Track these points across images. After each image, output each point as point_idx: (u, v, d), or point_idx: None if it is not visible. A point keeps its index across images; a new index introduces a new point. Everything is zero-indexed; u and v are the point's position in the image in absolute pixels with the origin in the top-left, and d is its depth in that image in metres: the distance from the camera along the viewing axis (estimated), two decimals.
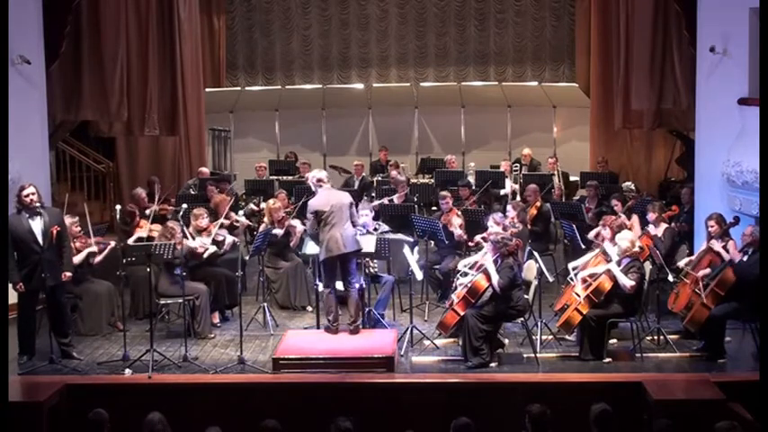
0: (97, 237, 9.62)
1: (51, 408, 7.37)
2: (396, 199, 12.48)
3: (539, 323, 8.86)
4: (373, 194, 13.06)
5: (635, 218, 10.69)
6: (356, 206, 9.37)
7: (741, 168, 9.98)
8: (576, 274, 8.71)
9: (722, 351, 8.45)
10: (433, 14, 18.61)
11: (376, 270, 9.59)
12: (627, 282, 8.33)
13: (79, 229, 9.50)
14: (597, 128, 15.78)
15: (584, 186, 13.29)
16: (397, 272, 10.00)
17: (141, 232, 10.28)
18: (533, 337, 8.69)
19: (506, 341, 8.74)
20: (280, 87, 18.54)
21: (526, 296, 8.61)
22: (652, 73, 12.55)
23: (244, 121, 17.20)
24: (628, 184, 13.73)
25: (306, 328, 9.44)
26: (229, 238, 9.92)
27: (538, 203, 11.46)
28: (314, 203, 8.75)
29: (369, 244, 9.05)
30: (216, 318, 9.65)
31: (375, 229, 9.68)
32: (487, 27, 18.55)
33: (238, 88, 18.42)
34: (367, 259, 9.32)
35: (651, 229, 9.82)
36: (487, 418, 7.08)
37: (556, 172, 14.27)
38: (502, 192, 13.49)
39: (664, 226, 9.90)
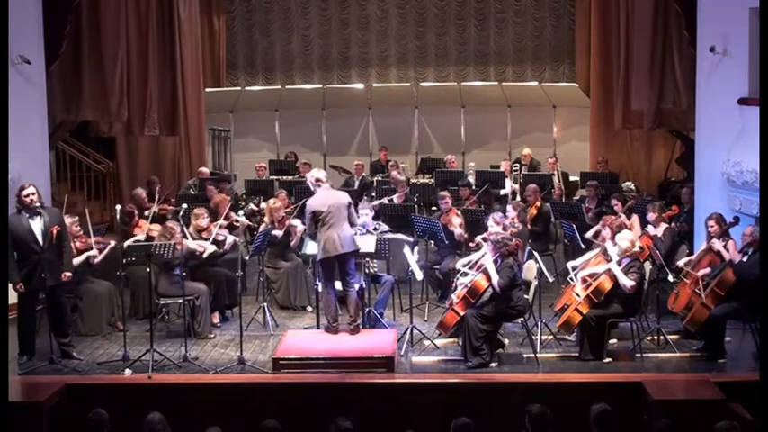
0: (97, 237, 9.62)
1: (51, 408, 7.37)
2: (396, 199, 12.48)
3: (539, 323, 8.86)
4: (373, 194, 13.06)
5: (635, 218, 10.69)
6: (356, 206, 9.37)
7: (741, 168, 9.98)
8: (575, 274, 8.71)
9: (722, 351, 8.45)
10: (433, 14, 18.61)
11: (375, 270, 9.59)
12: (627, 282, 8.33)
13: (79, 228, 9.51)
14: (597, 128, 15.78)
15: (584, 186, 13.29)
16: (396, 272, 9.99)
17: (140, 233, 10.27)
18: (533, 337, 8.68)
19: (506, 341, 8.74)
20: (280, 87, 18.54)
21: (526, 296, 8.61)
22: (652, 73, 12.55)
23: (244, 121, 17.21)
24: (628, 184, 13.74)
25: (306, 328, 9.44)
26: (230, 238, 9.92)
27: (538, 203, 11.46)
28: (311, 204, 8.75)
29: (369, 244, 9.05)
30: (216, 318, 9.65)
31: (375, 229, 9.68)
32: (487, 27, 18.55)
33: (238, 88, 18.42)
34: (367, 259, 9.31)
35: (651, 229, 9.82)
36: (487, 418, 7.08)
37: (556, 172, 14.27)
38: (502, 192, 13.49)
39: (664, 226, 9.90)
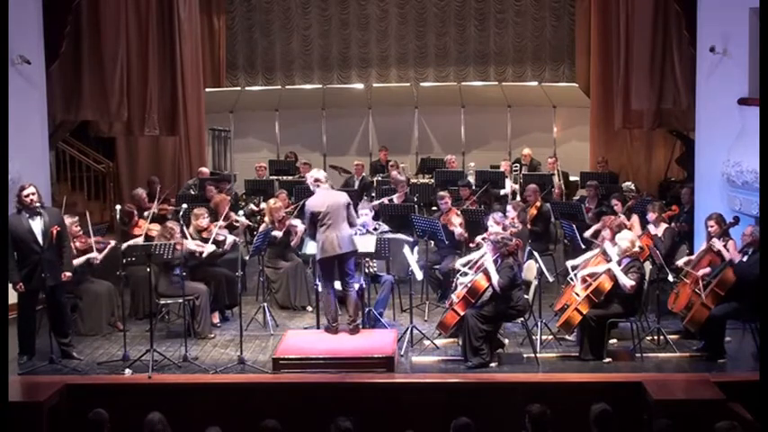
0: (97, 237, 9.61)
1: (51, 408, 7.37)
2: (396, 199, 12.48)
3: (539, 323, 8.86)
4: (373, 194, 13.07)
5: (635, 218, 10.69)
6: (356, 206, 9.37)
7: (741, 168, 9.98)
8: (575, 274, 8.71)
9: (722, 351, 8.44)
10: (433, 14, 18.61)
11: (375, 270, 9.59)
12: (627, 282, 8.33)
13: (79, 228, 9.51)
14: (597, 128, 15.78)
15: (584, 186, 13.29)
16: (396, 272, 9.99)
17: (139, 233, 10.26)
18: (533, 337, 8.68)
19: (506, 341, 8.74)
20: (280, 87, 18.54)
21: (526, 296, 8.61)
22: (652, 73, 12.55)
23: (244, 121, 17.20)
24: (628, 184, 13.74)
25: (306, 328, 9.44)
26: (230, 238, 9.91)
27: (538, 203, 11.47)
28: (310, 204, 8.75)
29: (369, 244, 9.05)
30: (216, 318, 9.65)
31: (375, 229, 9.69)
32: (487, 27, 18.55)
33: (238, 88, 18.41)
34: (366, 259, 9.31)
35: (651, 229, 9.82)
36: (487, 418, 7.08)
37: (556, 171, 14.27)
38: (502, 192, 13.49)
39: (664, 226, 9.90)
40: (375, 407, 7.52)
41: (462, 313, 8.36)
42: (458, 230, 10.35)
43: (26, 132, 10.28)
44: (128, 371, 8.17)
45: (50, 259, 8.41)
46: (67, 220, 9.11)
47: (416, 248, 9.72)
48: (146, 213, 10.86)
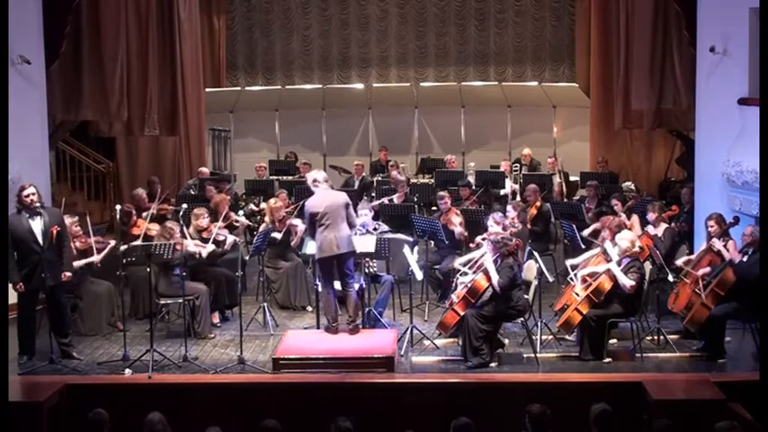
0: (97, 237, 9.62)
1: (51, 408, 7.36)
2: (396, 199, 12.48)
3: (539, 323, 8.86)
4: (373, 194, 13.07)
5: (635, 218, 10.70)
6: (356, 206, 9.36)
7: (741, 168, 9.98)
8: (575, 274, 8.71)
9: (722, 351, 8.44)
10: (433, 14, 18.61)
11: (375, 270, 9.59)
12: (627, 282, 8.33)
13: (79, 228, 9.51)
14: (597, 128, 15.79)
15: (584, 186, 13.29)
16: (396, 272, 9.99)
17: (138, 233, 10.25)
18: (533, 337, 8.68)
19: (506, 341, 8.74)
20: (280, 87, 18.54)
21: (526, 296, 8.61)
22: (652, 73, 12.55)
23: (244, 121, 17.21)
24: (628, 184, 13.74)
25: (306, 328, 9.44)
26: (230, 238, 9.91)
27: (538, 203, 11.47)
28: (309, 204, 8.76)
29: (369, 244, 9.05)
30: (216, 318, 9.65)
31: (375, 229, 9.69)
32: (487, 27, 18.55)
33: (238, 88, 18.42)
34: (366, 259, 9.31)
35: (651, 229, 9.82)
36: (487, 418, 7.08)
37: (557, 171, 14.28)
38: (502, 192, 13.49)
39: (664, 226, 9.90)
40: (375, 407, 7.52)
41: (462, 313, 8.35)
42: (458, 229, 10.35)
43: (26, 132, 10.28)
44: (128, 371, 8.17)
45: (50, 259, 8.41)
46: (67, 220, 9.11)
47: (416, 248, 9.72)
48: (144, 214, 10.87)
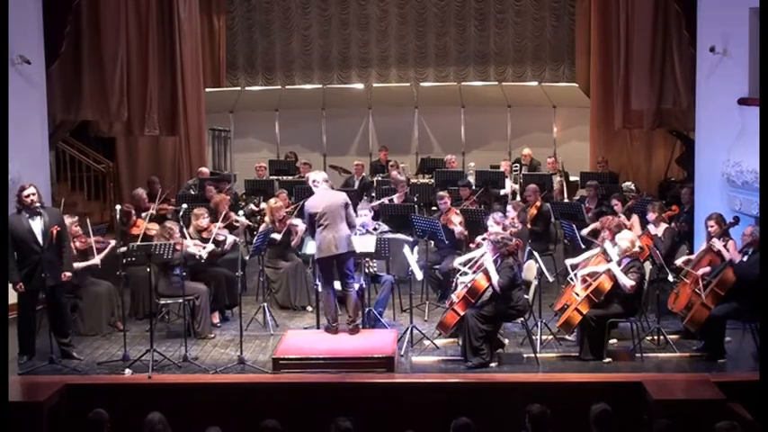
0: (97, 237, 9.62)
1: (51, 408, 7.37)
2: (396, 199, 12.48)
3: (539, 323, 8.86)
4: (373, 194, 13.07)
5: (635, 218, 10.70)
6: (355, 206, 9.36)
7: (741, 168, 9.98)
8: (575, 273, 8.71)
9: (722, 351, 8.44)
10: (433, 14, 18.61)
11: (375, 270, 9.59)
12: (627, 282, 8.33)
13: (79, 228, 9.51)
14: (597, 128, 15.78)
15: (584, 186, 13.29)
16: (396, 272, 9.99)
17: (137, 233, 10.26)
18: (533, 337, 8.68)
19: (506, 341, 8.74)
20: (280, 87, 18.54)
21: (526, 296, 8.61)
22: (652, 73, 12.55)
23: (244, 121, 17.21)
24: (628, 184, 13.74)
25: (306, 328, 9.44)
26: (230, 238, 9.92)
27: (538, 203, 11.46)
28: (308, 205, 8.77)
29: (368, 244, 9.05)
30: (216, 318, 9.64)
31: (375, 229, 9.69)
32: (487, 27, 18.55)
33: (238, 88, 18.42)
34: (366, 259, 9.31)
35: (651, 229, 9.82)
36: (487, 418, 7.07)
37: (557, 171, 14.28)
38: (502, 192, 13.49)
39: (664, 226, 9.90)
40: (375, 407, 7.52)
41: (462, 313, 8.35)
42: (458, 229, 10.35)
43: (26, 132, 10.28)
44: (128, 371, 8.17)
45: (50, 259, 8.41)
46: (67, 220, 9.11)
47: (416, 248, 9.72)
48: (144, 214, 10.86)
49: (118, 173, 14.97)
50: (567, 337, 8.85)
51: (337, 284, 8.83)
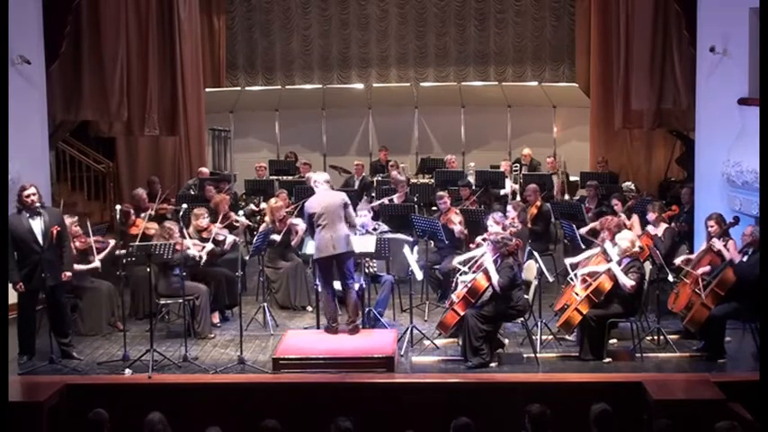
0: (97, 236, 9.62)
1: (51, 408, 7.36)
2: (396, 199, 12.48)
3: (539, 323, 8.86)
4: (373, 194, 13.07)
5: (635, 218, 10.70)
6: (355, 206, 9.36)
7: (741, 168, 9.98)
8: (575, 273, 8.70)
9: (722, 351, 8.44)
10: (433, 14, 18.62)
11: (375, 270, 9.59)
12: (627, 282, 8.33)
13: (79, 228, 9.51)
14: (597, 128, 15.79)
15: (584, 186, 13.29)
16: (396, 272, 9.99)
17: (137, 233, 10.25)
18: (533, 337, 8.68)
19: (506, 341, 8.74)
20: (280, 87, 18.55)
21: (526, 296, 8.61)
22: (652, 73, 12.55)
23: (244, 121, 17.21)
24: (628, 184, 13.75)
25: (306, 328, 9.44)
26: (230, 238, 9.92)
27: (538, 203, 11.46)
28: (307, 205, 8.79)
29: (368, 244, 9.05)
30: (216, 318, 9.64)
31: (374, 229, 9.69)
32: (487, 27, 18.56)
33: (238, 88, 18.42)
34: (366, 259, 9.31)
35: (651, 229, 9.82)
36: (487, 418, 7.07)
37: (558, 171, 14.27)
38: (502, 192, 13.49)
39: (664, 226, 9.90)
40: (375, 407, 7.52)
41: (462, 313, 8.35)
42: (458, 228, 10.35)
43: (26, 132, 10.28)
44: (128, 371, 8.17)
45: (50, 259, 8.41)
46: (67, 219, 9.11)
47: (416, 248, 9.72)
48: (143, 214, 10.86)
49: (118, 173, 14.97)
50: (567, 337, 8.85)
51: (337, 284, 8.83)
